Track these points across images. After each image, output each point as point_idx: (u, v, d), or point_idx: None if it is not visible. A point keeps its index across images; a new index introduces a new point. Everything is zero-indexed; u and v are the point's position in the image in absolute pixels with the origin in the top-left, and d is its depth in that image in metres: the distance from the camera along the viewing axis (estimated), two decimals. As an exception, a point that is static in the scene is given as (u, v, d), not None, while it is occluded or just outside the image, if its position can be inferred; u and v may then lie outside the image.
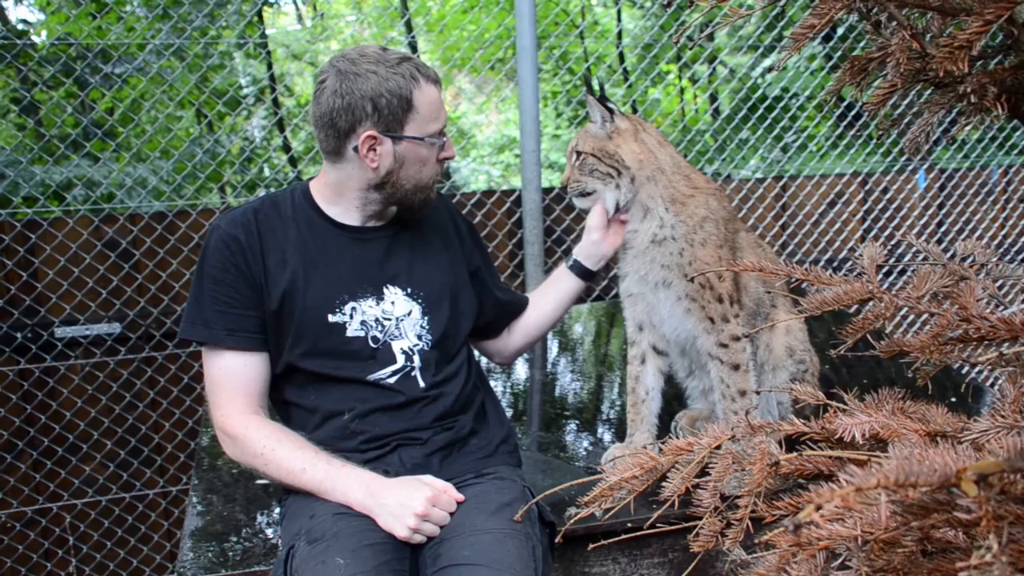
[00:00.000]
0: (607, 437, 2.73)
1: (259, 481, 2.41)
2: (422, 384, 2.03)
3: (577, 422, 2.87)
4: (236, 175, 6.69)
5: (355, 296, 2.01)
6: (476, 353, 2.34)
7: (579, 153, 2.29)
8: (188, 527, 2.20)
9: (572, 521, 1.62)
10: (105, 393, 4.18)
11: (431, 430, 2.01)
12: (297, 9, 10.97)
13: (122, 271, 4.10)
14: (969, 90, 1.19)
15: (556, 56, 7.31)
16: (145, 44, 5.28)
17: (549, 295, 2.42)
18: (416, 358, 2.04)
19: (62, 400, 4.17)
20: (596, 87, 2.30)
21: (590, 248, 2.36)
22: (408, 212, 2.08)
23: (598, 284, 4.89)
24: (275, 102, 7.52)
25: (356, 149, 1.93)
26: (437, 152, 2.01)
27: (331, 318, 1.98)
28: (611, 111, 2.29)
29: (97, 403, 4.16)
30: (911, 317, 5.22)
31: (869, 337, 1.61)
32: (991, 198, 5.64)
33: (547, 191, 4.59)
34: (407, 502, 1.79)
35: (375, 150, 1.94)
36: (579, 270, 2.38)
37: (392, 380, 2.01)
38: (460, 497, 1.87)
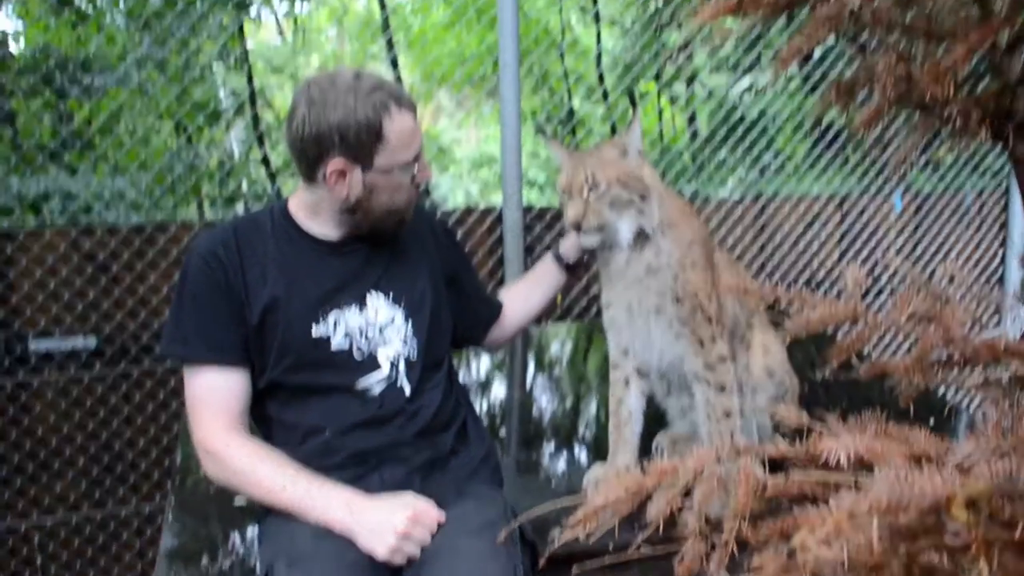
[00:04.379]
0: (586, 457, 2.72)
1: (237, 500, 2.38)
2: (407, 391, 2.02)
3: (556, 441, 2.86)
4: (215, 188, 6.65)
5: (338, 305, 2.00)
6: (459, 375, 2.33)
7: (597, 184, 2.04)
8: (163, 547, 2.16)
9: (558, 544, 1.61)
10: (80, 408, 4.11)
11: (412, 447, 2.00)
12: (278, 23, 10.95)
13: (99, 284, 4.06)
14: (954, 113, 1.21)
15: (537, 74, 7.34)
16: (125, 55, 5.24)
17: (537, 290, 2.49)
18: (401, 364, 2.03)
19: (35, 415, 4.10)
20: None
21: (571, 243, 2.41)
22: (382, 235, 2.07)
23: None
24: (255, 116, 7.49)
25: (325, 177, 1.93)
26: (411, 177, 2.00)
27: (315, 332, 1.97)
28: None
29: (71, 418, 4.10)
30: (888, 340, 5.26)
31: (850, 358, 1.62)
32: (966, 219, 5.71)
33: (527, 209, 4.59)
34: (388, 520, 1.77)
35: (344, 179, 1.93)
36: (565, 265, 2.44)
37: (377, 390, 2.00)
38: (442, 517, 1.86)
